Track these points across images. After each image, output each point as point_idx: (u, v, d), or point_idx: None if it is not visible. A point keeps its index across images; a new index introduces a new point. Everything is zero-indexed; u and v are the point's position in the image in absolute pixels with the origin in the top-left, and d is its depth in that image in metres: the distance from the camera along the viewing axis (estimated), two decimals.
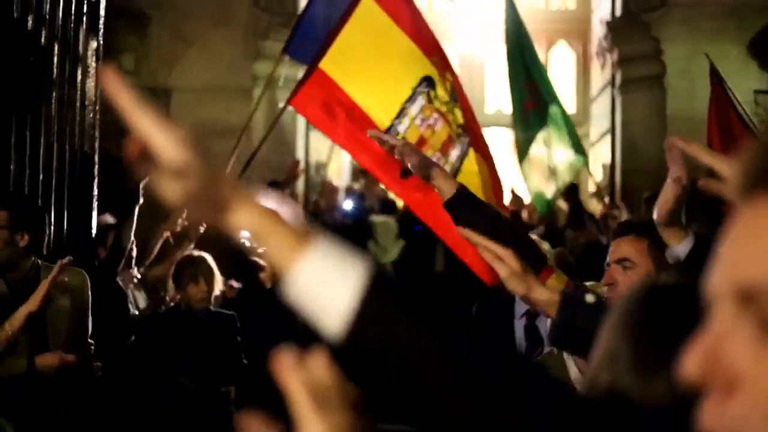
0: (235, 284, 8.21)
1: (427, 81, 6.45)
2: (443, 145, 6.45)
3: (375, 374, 1.30)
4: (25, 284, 4.53)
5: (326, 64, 6.25)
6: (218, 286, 6.05)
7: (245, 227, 1.33)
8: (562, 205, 10.85)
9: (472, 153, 6.43)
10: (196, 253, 6.17)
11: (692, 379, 0.92)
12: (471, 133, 6.51)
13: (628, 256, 3.38)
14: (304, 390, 1.10)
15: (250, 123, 10.59)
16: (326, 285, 1.27)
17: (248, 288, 8.07)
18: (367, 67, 6.37)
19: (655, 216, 3.02)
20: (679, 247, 3.02)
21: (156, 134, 1.27)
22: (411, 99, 6.39)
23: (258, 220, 1.32)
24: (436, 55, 6.49)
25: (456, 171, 6.48)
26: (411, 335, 1.31)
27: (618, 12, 11.70)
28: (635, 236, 3.40)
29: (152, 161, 1.28)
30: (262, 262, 8.46)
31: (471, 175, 6.41)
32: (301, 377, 1.11)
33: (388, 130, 6.32)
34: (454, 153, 6.48)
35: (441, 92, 6.45)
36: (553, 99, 9.96)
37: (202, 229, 7.01)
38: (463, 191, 3.46)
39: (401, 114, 6.37)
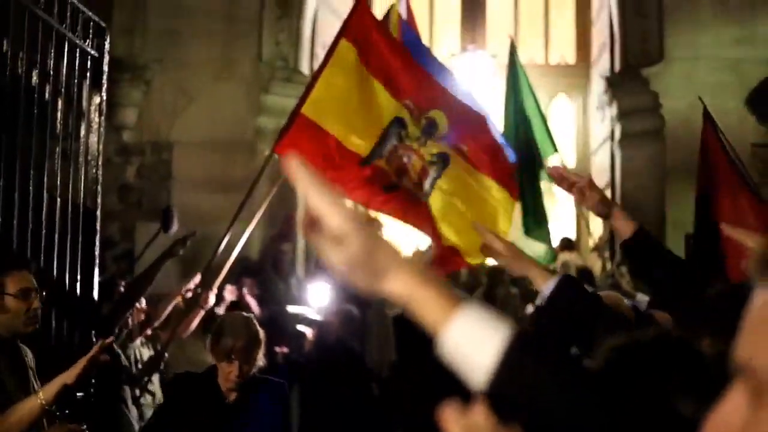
0: (284, 350, 8.29)
1: (399, 122, 6.52)
2: (418, 175, 6.53)
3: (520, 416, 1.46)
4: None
5: (307, 109, 6.32)
6: (257, 358, 5.11)
7: (401, 293, 1.49)
8: (573, 258, 10.88)
9: (451, 171, 6.51)
10: (237, 314, 5.40)
11: None
12: (462, 154, 6.57)
13: None
14: None
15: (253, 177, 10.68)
16: (472, 344, 1.45)
17: (294, 355, 8.15)
18: (346, 105, 6.46)
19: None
20: (544, 287, 3.22)
21: (328, 209, 1.47)
22: (389, 127, 6.47)
23: (413, 286, 1.48)
24: (411, 97, 6.54)
25: (427, 195, 6.56)
26: (546, 390, 1.48)
27: (617, 66, 11.80)
28: None
29: (321, 231, 1.48)
30: (306, 330, 8.54)
31: (444, 195, 6.51)
32: (462, 424, 1.29)
33: (371, 154, 6.39)
34: (427, 182, 6.55)
35: (412, 129, 6.52)
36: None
37: (212, 298, 7.05)
38: (641, 232, 3.47)
39: (383, 138, 6.44)
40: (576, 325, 3.05)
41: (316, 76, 6.57)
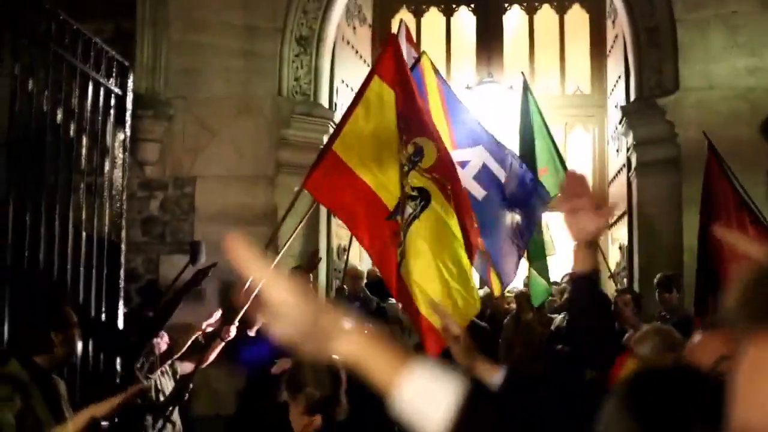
0: None
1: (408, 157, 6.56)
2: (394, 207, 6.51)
3: None
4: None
5: (338, 146, 6.40)
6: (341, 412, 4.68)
7: (350, 355, 1.53)
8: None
9: (427, 215, 6.44)
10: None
11: None
12: (444, 193, 6.52)
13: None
14: None
15: (275, 210, 10.85)
16: (425, 402, 1.45)
17: None
18: (376, 145, 6.49)
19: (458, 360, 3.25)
20: (494, 378, 3.21)
21: (269, 284, 1.54)
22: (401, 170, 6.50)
23: (361, 348, 1.52)
24: (405, 118, 6.55)
25: (401, 238, 6.51)
26: None
27: (632, 96, 11.88)
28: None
29: (265, 305, 1.54)
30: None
31: (418, 239, 6.43)
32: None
33: (395, 208, 6.45)
34: (404, 219, 6.52)
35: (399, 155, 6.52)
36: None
37: (233, 331, 7.20)
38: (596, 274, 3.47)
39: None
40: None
41: (348, 114, 6.64)
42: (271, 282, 1.54)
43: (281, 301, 1.52)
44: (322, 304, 1.56)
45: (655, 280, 9.52)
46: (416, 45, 8.56)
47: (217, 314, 6.99)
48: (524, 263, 10.70)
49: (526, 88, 11.05)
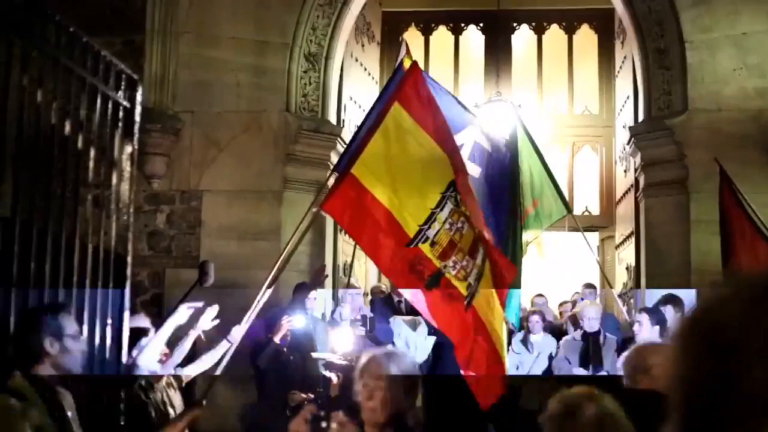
0: (309, 396, 8.39)
1: (454, 186, 6.61)
2: (471, 248, 6.62)
3: None
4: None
5: (358, 170, 6.42)
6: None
7: None
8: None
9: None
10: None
11: None
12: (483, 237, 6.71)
13: None
14: None
15: (280, 225, 10.85)
16: None
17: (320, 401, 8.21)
18: (396, 171, 6.54)
19: None
20: None
21: None
22: (439, 204, 6.57)
23: None
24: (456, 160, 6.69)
25: (481, 274, 6.63)
26: None
27: (641, 117, 11.87)
28: None
29: None
30: (332, 376, 8.61)
31: (487, 278, 6.60)
32: None
33: (416, 236, 6.50)
34: (479, 256, 6.64)
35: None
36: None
37: (239, 335, 7.18)
38: None
39: (430, 219, 6.54)
40: None
41: (368, 137, 6.68)
42: None
43: None
44: None
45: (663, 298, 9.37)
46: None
47: (212, 311, 6.94)
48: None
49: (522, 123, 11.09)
